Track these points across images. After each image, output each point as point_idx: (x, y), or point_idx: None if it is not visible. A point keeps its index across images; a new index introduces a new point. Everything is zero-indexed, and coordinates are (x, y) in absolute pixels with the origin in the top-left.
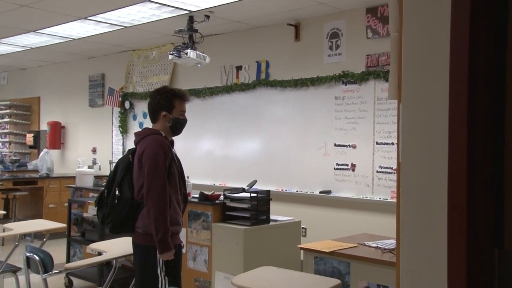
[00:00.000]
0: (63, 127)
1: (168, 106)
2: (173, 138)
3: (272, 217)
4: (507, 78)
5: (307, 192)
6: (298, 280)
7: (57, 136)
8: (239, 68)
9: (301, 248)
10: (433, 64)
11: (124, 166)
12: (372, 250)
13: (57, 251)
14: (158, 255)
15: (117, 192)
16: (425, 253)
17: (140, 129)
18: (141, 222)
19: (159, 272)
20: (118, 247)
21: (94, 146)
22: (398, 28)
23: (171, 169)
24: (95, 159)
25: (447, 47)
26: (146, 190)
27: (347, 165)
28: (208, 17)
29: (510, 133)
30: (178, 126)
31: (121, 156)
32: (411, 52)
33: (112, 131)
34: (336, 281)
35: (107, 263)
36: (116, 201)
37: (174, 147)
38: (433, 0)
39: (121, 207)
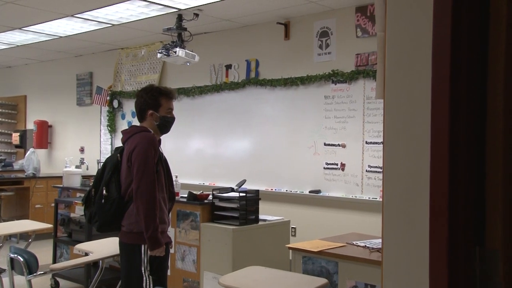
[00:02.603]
0: (50, 126)
1: (155, 104)
2: (162, 136)
3: (261, 216)
4: (489, 77)
5: (296, 191)
6: (285, 279)
7: (44, 135)
8: (228, 67)
9: (290, 248)
10: (416, 63)
11: (112, 165)
12: (360, 250)
13: (44, 252)
14: (149, 252)
15: (104, 192)
16: (407, 251)
17: (127, 127)
18: (127, 220)
19: (143, 271)
20: (105, 247)
21: (82, 146)
22: (384, 27)
23: (157, 168)
24: (82, 158)
25: (430, 46)
26: (135, 187)
27: (337, 164)
28: (197, 15)
29: (491, 133)
30: (165, 124)
31: (109, 155)
32: (394, 51)
33: (101, 130)
34: (323, 281)
35: (95, 264)
36: (103, 200)
37: (161, 146)
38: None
39: (108, 206)
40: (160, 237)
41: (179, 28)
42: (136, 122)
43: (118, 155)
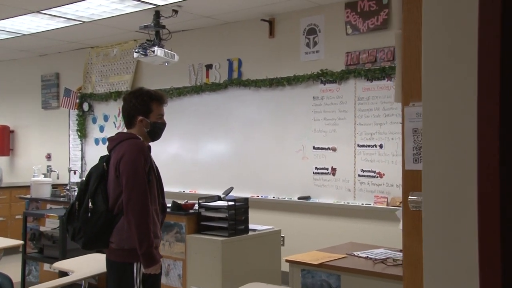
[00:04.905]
0: (12, 131)
1: (145, 110)
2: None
3: (250, 226)
4: None
5: (284, 198)
6: None
7: (5, 141)
8: (209, 66)
9: (287, 261)
10: (459, 62)
11: (98, 175)
12: (362, 261)
13: (9, 269)
14: (144, 270)
15: (90, 204)
16: (452, 269)
17: (113, 134)
18: (116, 236)
19: None
20: (86, 265)
21: (48, 152)
22: (401, 25)
23: (150, 177)
24: (50, 166)
25: (475, 41)
26: (126, 200)
27: (327, 169)
28: (176, 12)
29: None
30: (156, 130)
31: (79, 162)
32: (432, 49)
33: (69, 135)
34: None
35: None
36: (89, 214)
37: (152, 153)
38: None
39: (95, 220)
40: (155, 253)
41: (157, 25)
42: (108, 126)
43: (104, 164)
